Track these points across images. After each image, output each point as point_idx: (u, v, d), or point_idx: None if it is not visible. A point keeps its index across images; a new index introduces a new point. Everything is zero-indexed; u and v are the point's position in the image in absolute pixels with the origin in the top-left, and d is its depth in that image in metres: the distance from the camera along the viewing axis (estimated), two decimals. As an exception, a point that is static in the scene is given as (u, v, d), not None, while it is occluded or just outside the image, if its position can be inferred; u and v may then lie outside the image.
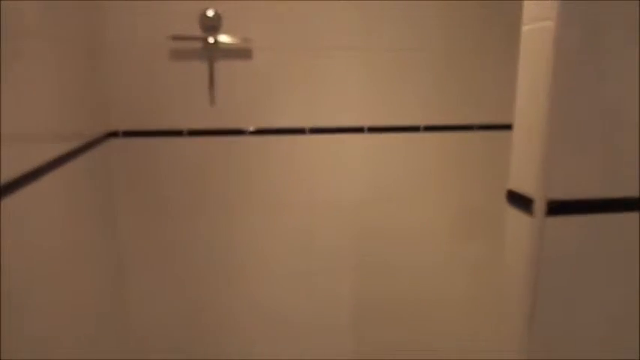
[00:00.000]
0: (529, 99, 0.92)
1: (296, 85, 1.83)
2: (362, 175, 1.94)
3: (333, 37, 1.81)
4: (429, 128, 1.94)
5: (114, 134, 1.76)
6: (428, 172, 1.98)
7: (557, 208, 0.89)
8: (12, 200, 0.96)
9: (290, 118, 1.85)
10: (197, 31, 1.72)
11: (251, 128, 1.83)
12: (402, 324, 2.10)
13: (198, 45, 1.74)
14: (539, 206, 0.90)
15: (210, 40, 1.71)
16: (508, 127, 2.00)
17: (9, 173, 0.96)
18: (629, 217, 0.93)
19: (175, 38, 1.70)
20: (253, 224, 1.90)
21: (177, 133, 1.79)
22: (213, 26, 1.72)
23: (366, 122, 1.90)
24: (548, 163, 0.88)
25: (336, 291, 2.03)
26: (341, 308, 2.05)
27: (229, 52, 1.76)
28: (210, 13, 1.71)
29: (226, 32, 1.73)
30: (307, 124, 1.86)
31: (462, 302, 2.13)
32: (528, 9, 0.93)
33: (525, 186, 0.94)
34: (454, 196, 2.02)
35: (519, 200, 0.95)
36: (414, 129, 1.93)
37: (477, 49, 1.90)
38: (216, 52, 1.75)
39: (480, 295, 2.12)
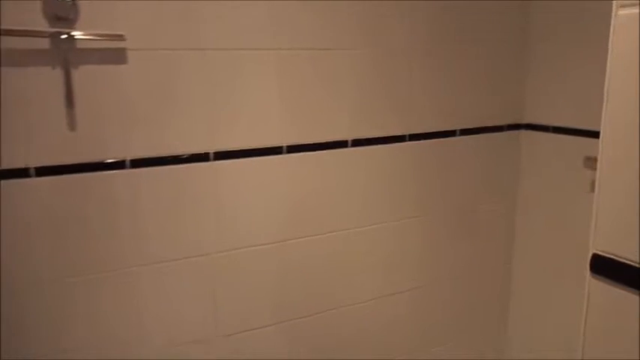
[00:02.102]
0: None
1: (191, 99, 1.37)
2: (282, 206, 1.54)
3: (236, 34, 1.40)
4: (358, 142, 1.61)
5: None
6: (360, 195, 1.65)
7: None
8: None
9: (186, 141, 1.39)
10: (42, 23, 1.19)
11: (129, 159, 1.34)
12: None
13: (44, 44, 1.20)
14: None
15: (63, 36, 1.19)
16: (444, 134, 1.80)
17: None
18: None
19: (8, 34, 1.14)
20: (139, 284, 1.41)
21: (21, 173, 1.24)
22: (64, 16, 1.21)
23: (285, 140, 1.51)
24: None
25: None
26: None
27: (92, 53, 1.26)
28: (59, -4, 1.19)
29: (86, 25, 1.23)
30: (211, 147, 1.41)
31: (407, 338, 1.87)
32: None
33: (632, 253, 0.63)
34: (392, 221, 1.72)
35: (621, 272, 0.64)
36: (341, 144, 1.58)
37: (403, 49, 1.62)
38: (74, 53, 1.24)
39: (424, 325, 1.89)
